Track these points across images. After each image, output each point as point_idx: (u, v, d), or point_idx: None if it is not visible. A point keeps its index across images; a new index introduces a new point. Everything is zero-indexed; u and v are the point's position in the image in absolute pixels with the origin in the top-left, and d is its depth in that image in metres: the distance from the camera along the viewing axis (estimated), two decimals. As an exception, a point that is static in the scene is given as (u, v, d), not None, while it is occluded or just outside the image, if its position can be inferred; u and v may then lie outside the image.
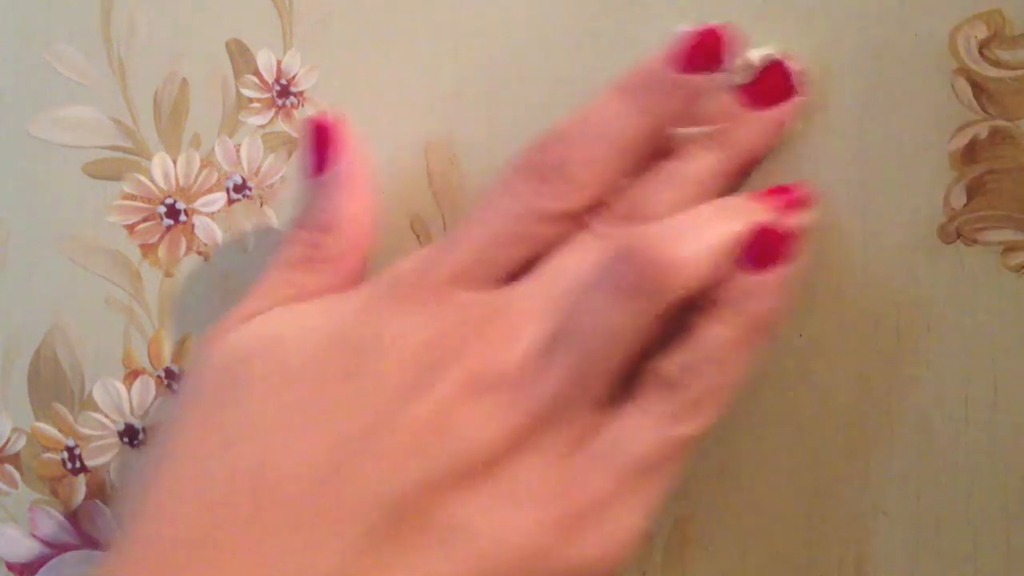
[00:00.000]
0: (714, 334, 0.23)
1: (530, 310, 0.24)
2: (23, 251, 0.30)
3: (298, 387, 0.23)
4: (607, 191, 0.25)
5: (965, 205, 0.25)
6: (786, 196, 0.25)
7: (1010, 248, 0.25)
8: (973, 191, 0.25)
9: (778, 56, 0.25)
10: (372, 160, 0.27)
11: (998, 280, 0.25)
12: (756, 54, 0.26)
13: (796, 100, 0.25)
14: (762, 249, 0.23)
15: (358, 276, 0.26)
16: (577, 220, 0.25)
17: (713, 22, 0.24)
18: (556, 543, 0.22)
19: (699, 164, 0.25)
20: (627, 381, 0.24)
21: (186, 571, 0.21)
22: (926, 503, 0.25)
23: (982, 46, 0.25)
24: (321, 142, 0.26)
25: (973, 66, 0.25)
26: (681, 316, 0.23)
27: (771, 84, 0.25)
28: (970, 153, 0.25)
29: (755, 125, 0.25)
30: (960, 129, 0.25)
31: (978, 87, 0.25)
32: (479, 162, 0.28)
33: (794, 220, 0.24)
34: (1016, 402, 0.25)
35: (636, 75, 0.24)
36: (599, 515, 0.23)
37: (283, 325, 0.24)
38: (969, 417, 0.25)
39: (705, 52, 0.24)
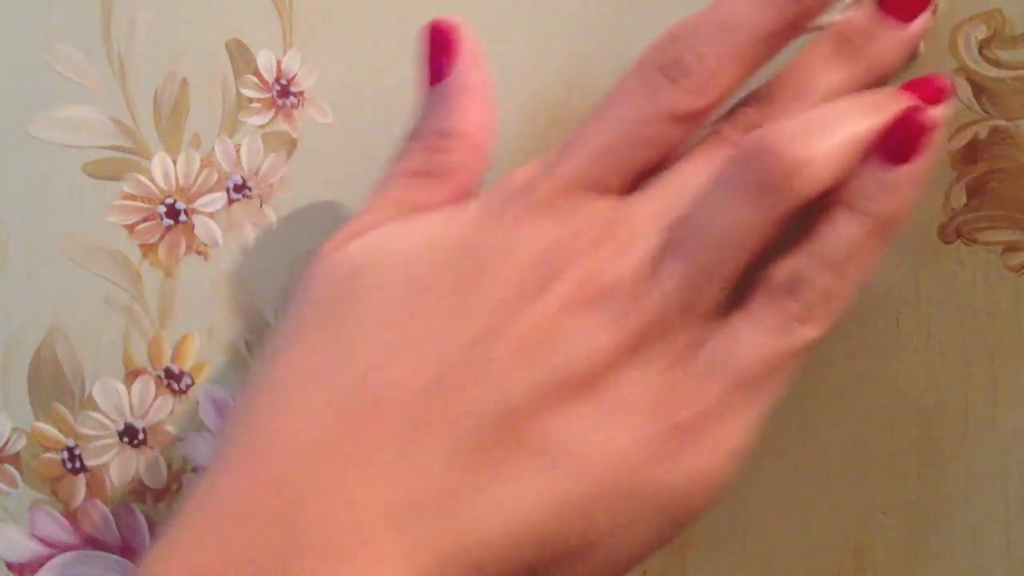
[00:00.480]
0: (832, 237, 0.22)
1: (649, 218, 0.23)
2: (23, 251, 0.30)
3: (410, 298, 0.23)
4: (724, 94, 0.23)
5: (965, 205, 0.25)
6: (926, 87, 0.23)
7: (1010, 248, 0.25)
8: (973, 191, 0.25)
9: None
10: (379, 159, 0.27)
11: (998, 280, 0.25)
12: None
13: (926, 18, 0.24)
14: (899, 142, 0.22)
15: (475, 191, 0.25)
16: (693, 125, 0.24)
17: None
18: (657, 457, 0.21)
19: (832, 77, 0.24)
20: (743, 291, 0.23)
21: (307, 470, 0.21)
22: (926, 503, 0.25)
23: (982, 46, 0.25)
24: (440, 47, 0.25)
25: (973, 66, 0.25)
26: (802, 220, 0.22)
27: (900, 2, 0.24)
28: (970, 153, 0.25)
29: (888, 41, 0.24)
30: (960, 129, 0.25)
31: (978, 87, 0.25)
32: (479, 162, 0.28)
33: (931, 112, 0.23)
34: (1016, 402, 0.25)
35: None
36: (702, 429, 0.22)
37: (395, 239, 0.24)
38: (969, 417, 0.25)
39: None
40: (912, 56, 0.25)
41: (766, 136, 0.22)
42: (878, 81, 0.24)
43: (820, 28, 0.24)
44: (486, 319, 0.22)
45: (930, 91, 0.23)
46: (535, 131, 0.28)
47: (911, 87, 0.23)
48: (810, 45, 0.24)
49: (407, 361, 0.22)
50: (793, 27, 0.23)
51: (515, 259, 0.23)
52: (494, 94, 0.25)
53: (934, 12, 0.25)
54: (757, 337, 0.22)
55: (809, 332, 0.22)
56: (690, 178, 0.23)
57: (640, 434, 0.21)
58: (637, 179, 0.24)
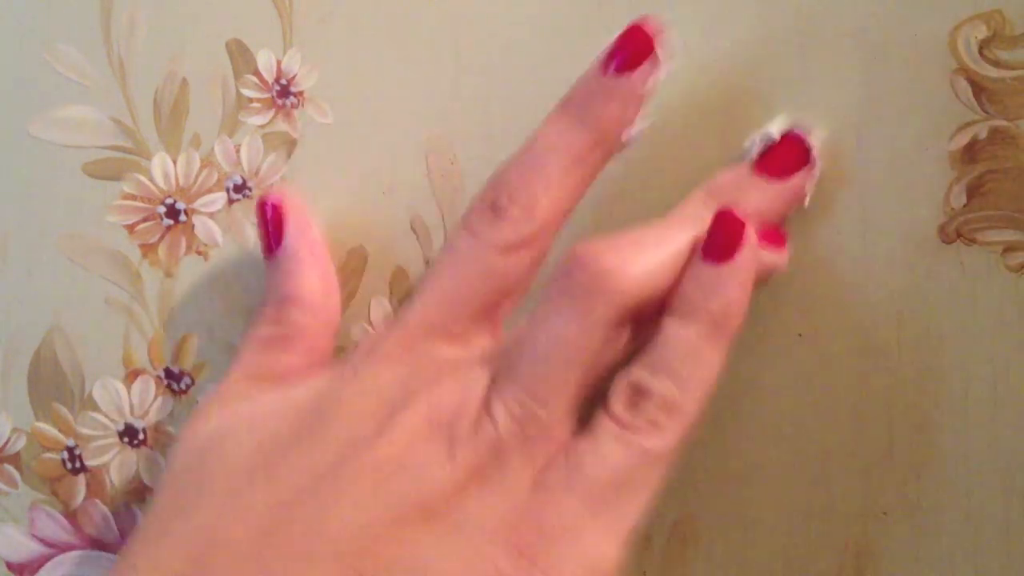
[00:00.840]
0: (669, 339, 0.22)
1: (492, 354, 0.23)
2: (23, 251, 0.30)
3: (253, 459, 0.23)
4: (557, 216, 0.24)
5: (965, 205, 0.25)
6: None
7: (1010, 248, 0.25)
8: (973, 191, 0.25)
9: (796, 128, 0.25)
10: (380, 159, 0.27)
11: (998, 280, 0.25)
12: (775, 127, 0.25)
13: (811, 170, 0.25)
14: (716, 240, 0.23)
15: (327, 353, 0.26)
16: (535, 250, 0.24)
17: (646, 15, 0.24)
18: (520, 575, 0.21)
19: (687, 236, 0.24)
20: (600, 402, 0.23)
21: None
22: (926, 503, 0.25)
23: (982, 46, 0.25)
24: (269, 221, 0.27)
25: (973, 66, 0.25)
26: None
27: (787, 155, 0.25)
28: (970, 153, 0.25)
29: (768, 193, 0.25)
30: (960, 129, 0.25)
31: (978, 87, 0.25)
32: (479, 162, 0.28)
33: (742, 210, 0.23)
34: (1016, 402, 0.25)
35: (573, 89, 0.24)
36: (552, 549, 0.21)
37: (246, 408, 0.25)
38: (969, 417, 0.25)
39: (634, 49, 0.24)
40: (799, 204, 0.26)
41: (578, 248, 0.22)
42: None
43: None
44: (329, 455, 0.22)
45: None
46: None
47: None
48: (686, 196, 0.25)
49: (236, 517, 0.22)
50: (601, 147, 0.24)
51: (360, 402, 0.23)
52: (325, 255, 0.27)
53: (811, 168, 0.25)
54: (613, 441, 0.22)
55: (654, 442, 0.22)
56: (537, 315, 0.23)
57: (502, 552, 0.21)
58: (489, 319, 0.24)
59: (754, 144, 0.25)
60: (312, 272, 0.26)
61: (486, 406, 0.22)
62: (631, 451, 0.22)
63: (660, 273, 0.22)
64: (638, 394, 0.22)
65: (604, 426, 0.22)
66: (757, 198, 0.25)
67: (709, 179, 0.25)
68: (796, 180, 0.25)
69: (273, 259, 0.27)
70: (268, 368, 0.26)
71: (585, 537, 0.21)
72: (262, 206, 0.27)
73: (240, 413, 0.25)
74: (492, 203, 0.24)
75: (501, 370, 0.23)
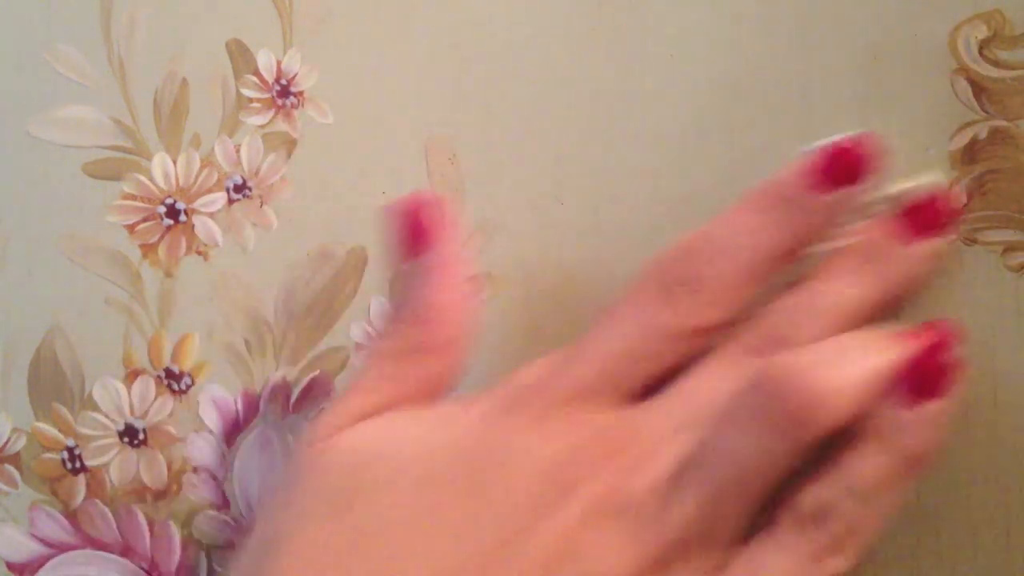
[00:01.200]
0: (861, 470, 0.21)
1: (662, 435, 0.22)
2: (23, 251, 0.30)
3: (424, 496, 0.22)
4: (739, 309, 0.23)
5: (965, 205, 0.25)
6: (936, 332, 0.22)
7: (1010, 248, 0.25)
8: (973, 191, 0.25)
9: (934, 189, 0.24)
10: (380, 160, 0.27)
11: (998, 280, 0.25)
12: (910, 184, 0.24)
13: (949, 237, 0.24)
14: (920, 381, 0.22)
15: (461, 365, 0.25)
16: (707, 338, 0.23)
17: (853, 133, 0.23)
18: None
19: (844, 295, 0.23)
20: (763, 512, 0.22)
21: None
22: (926, 503, 0.25)
23: (982, 46, 0.25)
24: (421, 222, 0.25)
25: (973, 66, 0.25)
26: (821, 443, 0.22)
27: (925, 217, 0.24)
28: (970, 153, 0.25)
29: (906, 260, 0.24)
30: (960, 129, 0.25)
31: (978, 87, 0.25)
32: (479, 162, 0.28)
33: (951, 353, 0.22)
34: (1016, 402, 0.25)
35: (770, 188, 0.23)
36: None
37: (402, 431, 0.23)
38: (969, 417, 0.25)
39: (846, 168, 0.23)
40: (936, 273, 0.25)
41: (780, 367, 0.21)
42: (895, 301, 0.24)
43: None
44: (507, 525, 0.21)
45: (942, 336, 0.22)
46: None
47: (928, 327, 0.23)
48: (827, 260, 0.24)
49: (428, 560, 0.21)
50: (799, 247, 0.23)
51: (528, 467, 0.22)
52: (471, 267, 0.25)
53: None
54: (783, 565, 0.21)
55: (836, 564, 0.21)
56: (705, 394, 0.23)
57: None
58: (642, 390, 0.24)
59: (898, 193, 0.24)
60: (454, 288, 0.25)
61: (670, 498, 0.21)
62: (813, 569, 0.21)
63: (864, 398, 0.21)
64: (828, 513, 0.21)
65: (790, 539, 0.22)
66: (903, 265, 0.24)
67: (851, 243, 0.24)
68: (935, 245, 0.24)
69: (415, 263, 0.25)
70: (403, 379, 0.24)
71: None
72: (411, 202, 0.25)
73: (395, 436, 0.23)
74: (667, 280, 0.23)
75: (688, 466, 0.22)
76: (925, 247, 0.24)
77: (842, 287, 0.23)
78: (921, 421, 0.21)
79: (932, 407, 0.22)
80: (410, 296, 0.25)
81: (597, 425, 0.23)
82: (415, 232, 0.25)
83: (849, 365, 0.21)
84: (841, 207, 0.23)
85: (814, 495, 0.22)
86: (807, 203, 0.23)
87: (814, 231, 0.23)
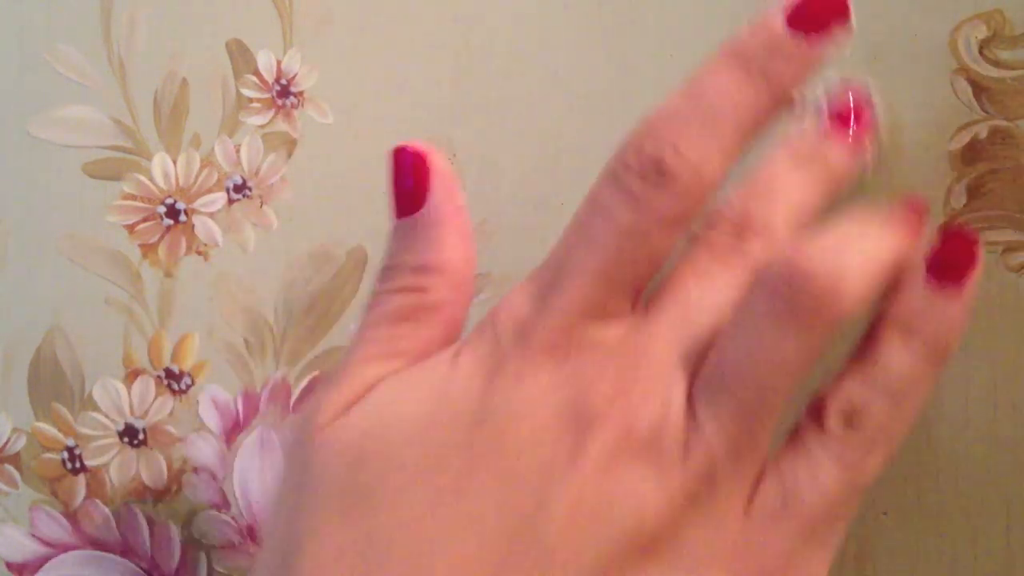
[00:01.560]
0: (897, 355, 0.21)
1: (669, 348, 0.21)
2: (23, 251, 0.30)
3: (430, 477, 0.20)
4: (717, 187, 0.21)
5: (965, 205, 0.25)
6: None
7: (1010, 248, 0.25)
8: (973, 191, 0.25)
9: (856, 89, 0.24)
10: (379, 160, 0.27)
11: (998, 280, 0.25)
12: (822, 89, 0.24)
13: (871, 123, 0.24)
14: (950, 262, 0.21)
15: (461, 327, 0.23)
16: (688, 224, 0.21)
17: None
18: None
19: (798, 185, 0.22)
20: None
21: None
22: (926, 503, 0.25)
23: (982, 46, 0.25)
24: (410, 176, 0.23)
25: (973, 66, 0.25)
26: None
27: (846, 116, 0.23)
28: (970, 153, 0.25)
29: (839, 158, 0.23)
30: (960, 129, 0.25)
31: (978, 87, 0.25)
32: (479, 162, 0.28)
33: (972, 240, 0.21)
34: (1016, 402, 0.25)
35: (753, 37, 0.21)
36: (782, 574, 0.20)
37: (394, 407, 0.21)
38: (969, 417, 0.25)
39: (827, 8, 0.21)
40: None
41: (795, 260, 0.20)
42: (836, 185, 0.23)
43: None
44: (528, 490, 0.20)
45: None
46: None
47: (909, 210, 0.22)
48: (769, 159, 0.23)
49: (454, 552, 0.20)
50: (774, 112, 0.22)
51: (534, 420, 0.20)
52: (467, 219, 0.23)
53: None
54: (824, 473, 0.20)
55: (875, 462, 0.21)
56: (700, 296, 0.21)
57: None
58: (638, 294, 0.22)
59: (814, 103, 0.24)
60: (457, 239, 0.23)
61: (693, 420, 0.20)
62: (851, 473, 0.20)
63: (881, 279, 0.20)
64: (857, 413, 0.21)
65: (822, 444, 0.21)
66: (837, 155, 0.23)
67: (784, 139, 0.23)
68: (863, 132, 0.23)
69: (410, 220, 0.23)
70: (404, 344, 0.22)
71: (809, 563, 0.20)
72: (401, 155, 0.23)
73: (388, 418, 0.21)
74: (656, 161, 0.21)
75: (706, 380, 0.20)
76: (852, 145, 0.23)
77: (793, 180, 0.23)
78: (946, 308, 0.21)
79: (956, 292, 0.21)
80: (403, 254, 0.23)
81: (594, 353, 0.21)
82: (409, 186, 0.23)
83: (857, 252, 0.20)
84: (821, 55, 0.21)
85: (842, 395, 0.21)
86: (790, 49, 0.21)
87: (793, 84, 0.21)
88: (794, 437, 0.21)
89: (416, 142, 0.23)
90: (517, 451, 0.20)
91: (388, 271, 0.23)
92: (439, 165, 0.23)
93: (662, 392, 0.20)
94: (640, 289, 0.22)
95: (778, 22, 0.21)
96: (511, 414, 0.20)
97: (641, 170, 0.21)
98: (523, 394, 0.20)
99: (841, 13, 0.21)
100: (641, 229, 0.21)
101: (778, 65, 0.21)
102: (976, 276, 0.21)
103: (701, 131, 0.21)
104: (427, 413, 0.21)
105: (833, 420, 0.21)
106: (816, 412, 0.21)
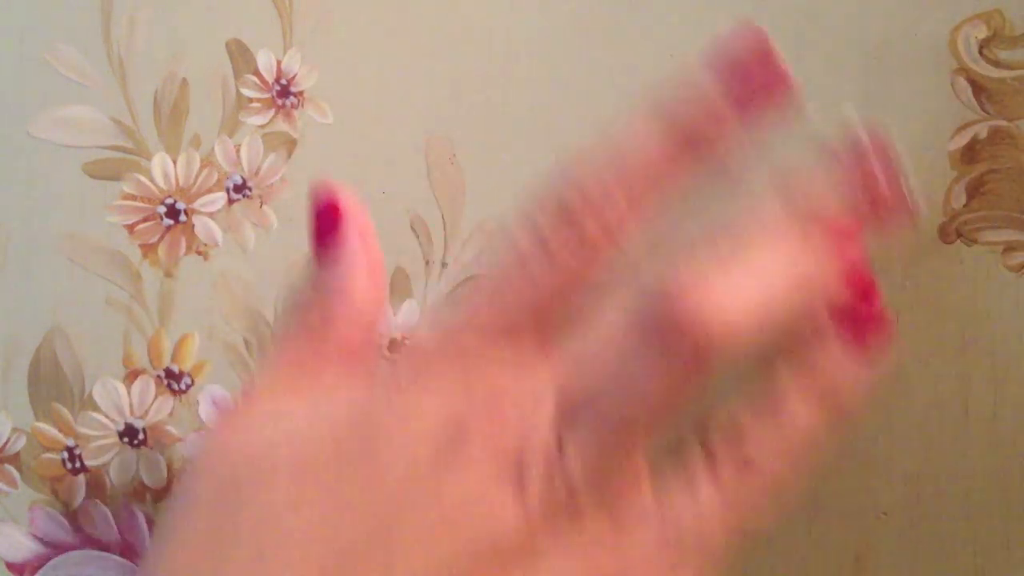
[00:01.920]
0: (789, 405, 0.20)
1: (558, 376, 0.21)
2: (23, 251, 0.30)
3: (295, 488, 0.21)
4: (626, 233, 0.21)
5: (965, 205, 0.25)
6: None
7: (1010, 248, 0.25)
8: (973, 191, 0.25)
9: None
10: (379, 160, 0.27)
11: (998, 280, 0.25)
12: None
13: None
14: (860, 324, 0.20)
15: (366, 350, 0.24)
16: (604, 269, 0.21)
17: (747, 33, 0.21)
18: None
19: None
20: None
21: None
22: (926, 503, 0.25)
23: (982, 46, 0.25)
24: (323, 213, 0.24)
25: (973, 66, 0.25)
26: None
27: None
28: (970, 153, 0.25)
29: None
30: (960, 129, 0.25)
31: (978, 87, 0.25)
32: (478, 161, 0.28)
33: (879, 303, 0.21)
34: (1016, 402, 0.25)
35: (682, 90, 0.21)
36: None
37: (273, 438, 0.22)
38: (969, 417, 0.25)
39: (766, 79, 0.21)
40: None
41: (668, 287, 0.19)
42: None
43: None
44: (385, 501, 0.20)
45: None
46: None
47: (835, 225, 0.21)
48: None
49: (289, 557, 0.20)
50: (695, 170, 0.21)
51: (412, 427, 0.21)
52: (378, 250, 0.24)
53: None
54: (696, 498, 0.20)
55: (755, 499, 0.21)
56: (594, 327, 0.21)
57: None
58: (542, 324, 0.22)
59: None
60: (361, 270, 0.23)
61: (558, 445, 0.20)
62: (722, 497, 0.20)
63: (775, 313, 0.19)
64: (738, 435, 0.20)
65: (705, 468, 0.20)
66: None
67: (780, 180, 0.22)
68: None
69: (324, 251, 0.24)
70: (308, 359, 0.23)
71: None
72: (318, 197, 0.24)
73: (273, 435, 0.22)
74: (564, 194, 0.21)
75: (574, 407, 0.20)
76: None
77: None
78: (845, 365, 0.20)
79: (861, 351, 0.20)
80: (316, 281, 0.24)
81: (495, 372, 0.21)
82: (322, 222, 0.24)
83: (737, 283, 0.19)
84: (749, 116, 0.21)
85: (729, 423, 0.21)
86: (714, 113, 0.20)
87: (718, 136, 0.21)
88: (678, 458, 0.21)
89: (328, 185, 0.24)
90: (385, 460, 0.20)
91: (307, 288, 0.24)
92: (349, 203, 0.24)
93: (528, 416, 0.21)
94: (543, 320, 0.22)
95: (705, 83, 0.21)
96: (382, 427, 0.21)
97: (554, 206, 0.21)
98: (397, 409, 0.21)
99: (780, 79, 0.21)
100: (542, 261, 0.21)
101: (705, 128, 0.21)
102: (886, 342, 0.20)
103: (615, 181, 0.21)
104: (307, 434, 0.21)
105: (719, 447, 0.20)
106: (702, 433, 0.21)
